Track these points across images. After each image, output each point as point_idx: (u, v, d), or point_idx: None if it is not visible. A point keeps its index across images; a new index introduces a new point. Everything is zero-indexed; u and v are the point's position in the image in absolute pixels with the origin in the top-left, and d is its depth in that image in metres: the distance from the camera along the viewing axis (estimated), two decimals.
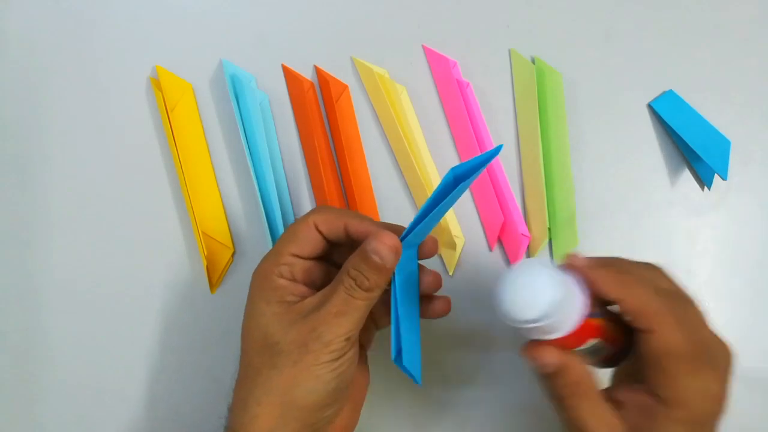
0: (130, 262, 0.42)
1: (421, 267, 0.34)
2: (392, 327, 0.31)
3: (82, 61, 0.44)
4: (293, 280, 0.32)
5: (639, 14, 0.45)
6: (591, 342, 0.30)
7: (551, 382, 0.30)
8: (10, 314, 0.42)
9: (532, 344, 0.30)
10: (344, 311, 0.30)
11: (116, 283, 0.42)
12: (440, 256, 0.43)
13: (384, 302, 0.34)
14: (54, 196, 0.43)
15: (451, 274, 0.43)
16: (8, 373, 0.41)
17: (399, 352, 0.32)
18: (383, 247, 0.30)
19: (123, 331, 0.42)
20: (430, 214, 0.29)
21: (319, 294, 0.31)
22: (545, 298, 0.26)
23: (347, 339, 0.30)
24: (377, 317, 0.36)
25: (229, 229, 0.43)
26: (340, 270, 0.31)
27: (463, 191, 0.29)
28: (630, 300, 0.29)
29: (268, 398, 0.29)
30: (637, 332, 0.29)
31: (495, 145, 0.44)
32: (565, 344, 0.29)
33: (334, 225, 0.32)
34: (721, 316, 0.43)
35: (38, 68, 0.44)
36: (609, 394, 0.30)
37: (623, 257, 0.32)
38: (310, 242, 0.32)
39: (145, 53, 0.44)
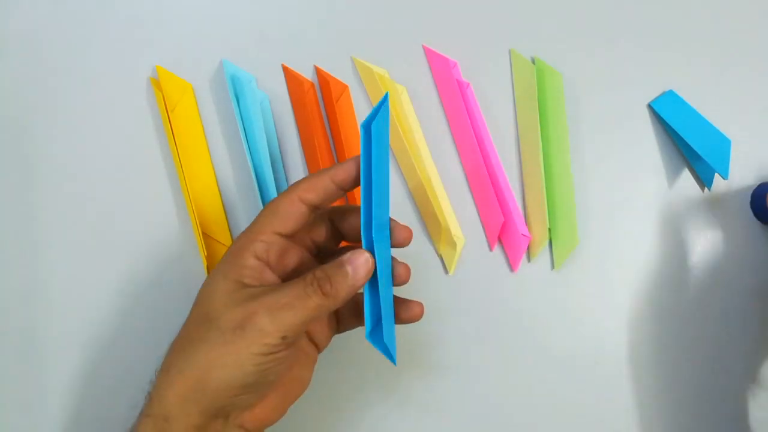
0: (130, 261, 0.42)
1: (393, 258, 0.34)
2: (366, 304, 0.31)
3: (82, 61, 0.44)
4: (266, 262, 0.31)
5: (639, 14, 0.45)
6: None
7: None
8: (10, 314, 0.42)
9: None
10: (292, 306, 0.29)
11: (116, 283, 0.42)
12: (440, 256, 0.43)
13: (354, 302, 0.34)
14: (54, 195, 0.43)
15: (451, 273, 0.43)
16: (8, 373, 0.41)
17: (374, 328, 0.31)
18: (361, 262, 0.30)
19: (122, 330, 0.42)
20: (374, 189, 0.29)
21: (278, 285, 0.30)
22: None
23: (283, 338, 0.29)
24: (343, 318, 0.35)
25: (229, 229, 0.43)
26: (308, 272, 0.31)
27: (383, 154, 0.30)
28: None
29: (190, 370, 0.29)
30: None
31: (495, 145, 0.44)
32: None
33: (318, 191, 0.31)
34: (720, 316, 0.43)
35: (38, 68, 0.44)
36: None
37: None
38: (292, 216, 0.31)
39: (145, 53, 0.44)
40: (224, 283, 0.30)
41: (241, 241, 0.31)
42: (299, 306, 0.29)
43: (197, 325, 0.30)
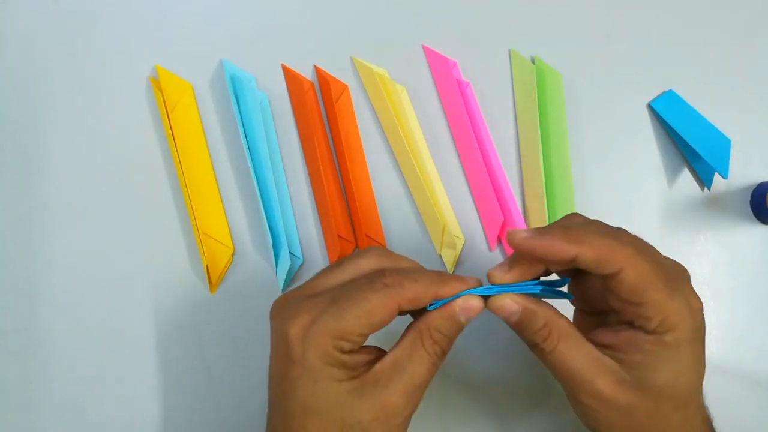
0: (130, 261, 0.42)
1: None
2: None
3: (81, 60, 0.44)
4: (353, 351, 0.29)
5: (639, 14, 0.45)
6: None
7: (524, 331, 0.30)
8: (10, 314, 0.42)
9: (494, 298, 0.30)
10: (428, 379, 0.29)
11: (116, 282, 0.42)
12: (440, 256, 0.43)
13: None
14: (54, 196, 0.43)
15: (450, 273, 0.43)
16: (8, 373, 0.41)
17: None
18: (473, 311, 0.29)
19: (122, 330, 0.42)
20: (497, 288, 0.30)
21: (392, 357, 0.29)
22: None
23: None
24: None
25: (229, 229, 0.43)
26: (415, 329, 0.30)
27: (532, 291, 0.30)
28: (587, 251, 0.28)
29: None
30: (605, 281, 0.29)
31: (495, 144, 0.44)
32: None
33: (421, 303, 0.29)
34: (720, 316, 0.43)
35: (38, 68, 0.44)
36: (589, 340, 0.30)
37: (556, 222, 0.32)
38: (385, 322, 0.29)
39: (145, 53, 0.44)
40: (343, 386, 0.29)
41: (324, 340, 0.28)
42: (432, 375, 0.30)
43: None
